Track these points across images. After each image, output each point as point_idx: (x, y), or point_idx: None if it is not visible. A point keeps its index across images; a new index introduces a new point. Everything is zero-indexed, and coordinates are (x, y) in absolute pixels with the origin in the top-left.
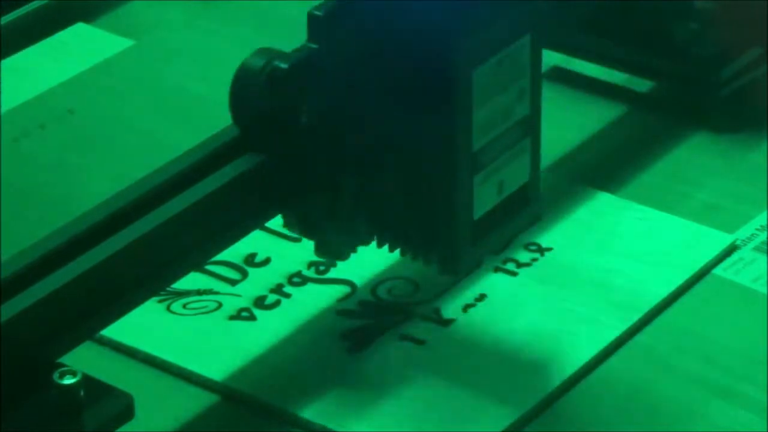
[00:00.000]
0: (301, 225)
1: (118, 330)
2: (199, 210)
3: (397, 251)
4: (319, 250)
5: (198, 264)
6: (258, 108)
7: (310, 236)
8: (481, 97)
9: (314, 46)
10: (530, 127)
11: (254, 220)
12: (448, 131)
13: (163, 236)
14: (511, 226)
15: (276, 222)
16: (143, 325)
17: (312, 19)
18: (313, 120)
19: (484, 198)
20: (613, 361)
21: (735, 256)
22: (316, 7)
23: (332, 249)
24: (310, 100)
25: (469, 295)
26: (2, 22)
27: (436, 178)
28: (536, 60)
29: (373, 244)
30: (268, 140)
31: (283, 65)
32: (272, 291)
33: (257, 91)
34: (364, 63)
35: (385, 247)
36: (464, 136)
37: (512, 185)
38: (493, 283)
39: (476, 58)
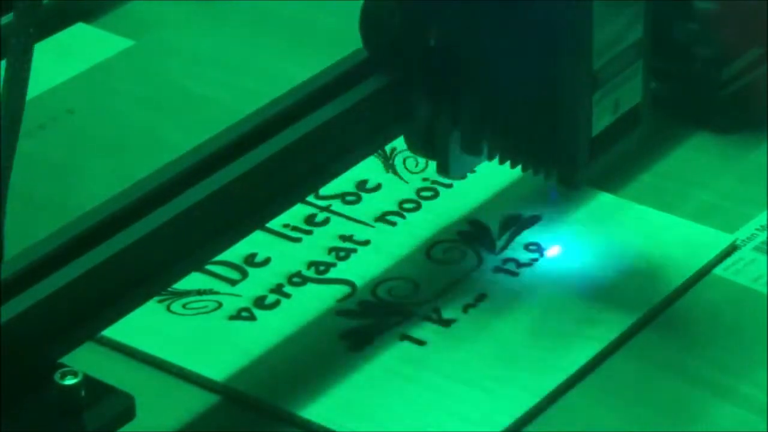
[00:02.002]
0: (424, 144)
1: (118, 330)
2: (210, 204)
3: (413, 244)
4: (441, 168)
5: (201, 263)
6: (389, 31)
7: (433, 156)
8: (600, 18)
9: None
10: (643, 49)
11: (382, 140)
12: (570, 51)
13: (164, 236)
14: (623, 144)
15: (276, 222)
16: (143, 325)
17: None
18: (440, 42)
19: (601, 116)
20: (613, 361)
21: (735, 256)
22: None
23: (455, 167)
24: (439, 22)
25: (469, 295)
26: (2, 22)
27: (558, 95)
28: None
29: (380, 240)
30: (398, 62)
31: None
32: (272, 291)
33: (388, 15)
34: None
35: (385, 247)
36: (585, 56)
37: (626, 104)
38: (493, 283)
39: None
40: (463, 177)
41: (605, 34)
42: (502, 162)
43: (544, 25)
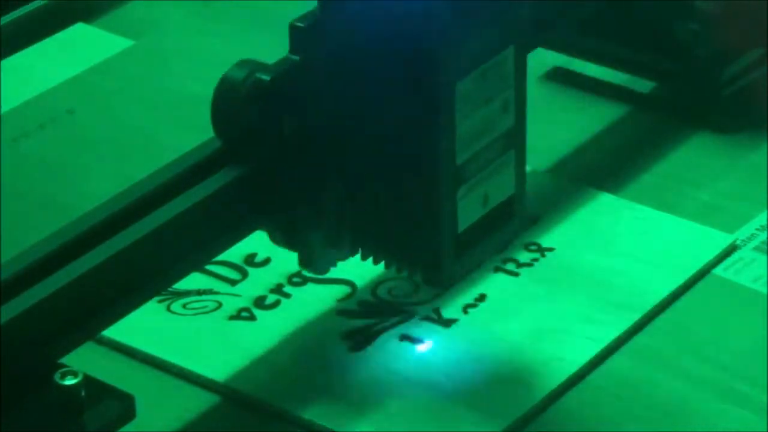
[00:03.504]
0: (286, 237)
1: (118, 330)
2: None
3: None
4: (303, 262)
5: (198, 266)
6: (240, 120)
7: (294, 248)
8: (464, 110)
9: (296, 57)
10: (515, 139)
11: (237, 233)
12: (431, 144)
13: (164, 237)
14: (496, 239)
15: None
16: (143, 326)
17: (293, 30)
18: (295, 132)
19: (469, 211)
20: (613, 361)
21: (735, 256)
22: (298, 19)
23: (316, 262)
24: (293, 112)
25: (469, 295)
26: (2, 22)
27: (420, 191)
28: (520, 71)
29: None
30: (251, 152)
31: (265, 77)
32: (272, 291)
33: (239, 103)
34: (347, 75)
35: None
36: (448, 149)
37: (497, 198)
38: (493, 283)
39: (459, 70)
40: (326, 271)
41: (471, 124)
42: (364, 258)
43: (404, 116)
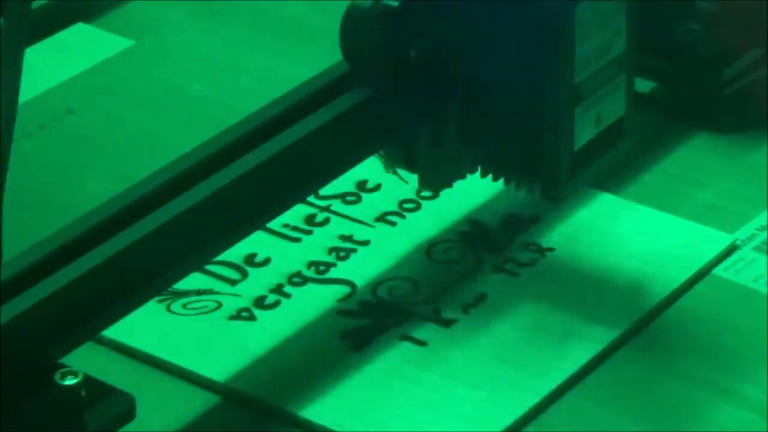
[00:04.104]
0: (406, 157)
1: (118, 330)
2: (208, 206)
3: (414, 244)
4: (424, 181)
5: (202, 264)
6: (369, 43)
7: (414, 169)
8: (582, 32)
9: None
10: (625, 63)
11: (362, 154)
12: (552, 64)
13: (165, 237)
14: (606, 157)
15: (276, 222)
16: (143, 325)
17: None
18: (421, 54)
19: (584, 129)
20: (614, 360)
21: (735, 256)
22: None
23: (437, 180)
24: (419, 35)
25: (469, 295)
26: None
27: (540, 109)
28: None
29: (380, 240)
30: (378, 75)
31: (394, 3)
32: (272, 291)
33: (369, 27)
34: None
35: (385, 248)
36: (567, 69)
37: (608, 118)
38: (493, 283)
39: None
40: (445, 188)
41: (587, 47)
42: (484, 175)
43: (526, 38)
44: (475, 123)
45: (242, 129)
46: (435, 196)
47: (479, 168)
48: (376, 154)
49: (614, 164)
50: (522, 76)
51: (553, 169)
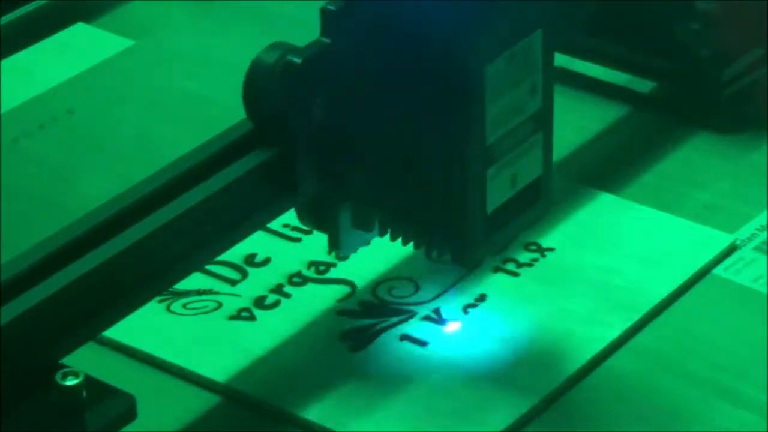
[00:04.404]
0: (314, 218)
1: (118, 330)
2: (204, 209)
3: (410, 245)
4: (331, 244)
5: (201, 265)
6: (272, 102)
7: (322, 230)
8: (493, 92)
9: (327, 40)
10: (542, 121)
11: (268, 214)
12: (461, 125)
13: (165, 237)
14: (523, 220)
15: (276, 222)
16: (143, 325)
17: (325, 13)
18: (325, 114)
19: (497, 191)
20: (613, 361)
21: (735, 256)
22: (329, 2)
23: (345, 243)
24: (323, 95)
25: (469, 295)
26: (2, 22)
27: (450, 172)
28: (548, 55)
29: (380, 240)
30: (282, 134)
31: (297, 60)
32: (272, 291)
33: (271, 85)
34: (377, 58)
35: (386, 248)
36: (478, 130)
37: (525, 179)
38: (493, 283)
39: (488, 53)
40: (354, 252)
41: (499, 107)
42: (393, 238)
43: (435, 98)
44: (383, 184)
45: (243, 129)
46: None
47: (388, 231)
48: None
49: (612, 166)
50: (431, 136)
51: (465, 233)
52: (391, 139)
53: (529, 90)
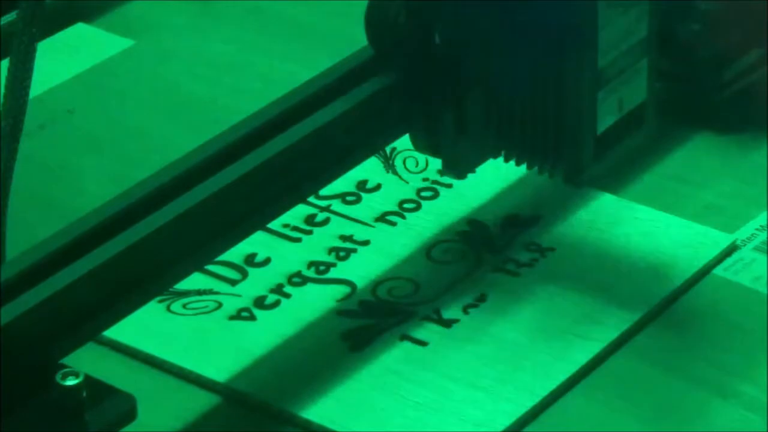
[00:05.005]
0: (430, 143)
1: (118, 330)
2: (204, 209)
3: (416, 244)
4: (447, 167)
5: (201, 265)
6: (395, 29)
7: (438, 154)
8: (605, 17)
9: None
10: (648, 48)
11: (385, 139)
12: (576, 48)
13: (165, 237)
14: (628, 142)
15: (276, 222)
16: (143, 325)
17: None
18: (445, 40)
19: (606, 114)
20: (613, 361)
21: (735, 256)
22: None
23: (460, 166)
24: (443, 22)
25: (469, 295)
26: (2, 22)
27: (563, 93)
28: None
29: (380, 240)
30: (403, 60)
31: None
32: (272, 291)
33: (394, 12)
34: None
35: (385, 247)
36: (591, 53)
37: (631, 103)
38: (493, 283)
39: None
40: (469, 173)
41: (610, 32)
42: (507, 160)
43: (550, 23)
44: (498, 108)
45: (245, 127)
46: (435, 195)
47: (503, 153)
48: (376, 155)
49: (612, 166)
50: (545, 60)
51: (576, 153)
52: (508, 63)
53: (636, 17)
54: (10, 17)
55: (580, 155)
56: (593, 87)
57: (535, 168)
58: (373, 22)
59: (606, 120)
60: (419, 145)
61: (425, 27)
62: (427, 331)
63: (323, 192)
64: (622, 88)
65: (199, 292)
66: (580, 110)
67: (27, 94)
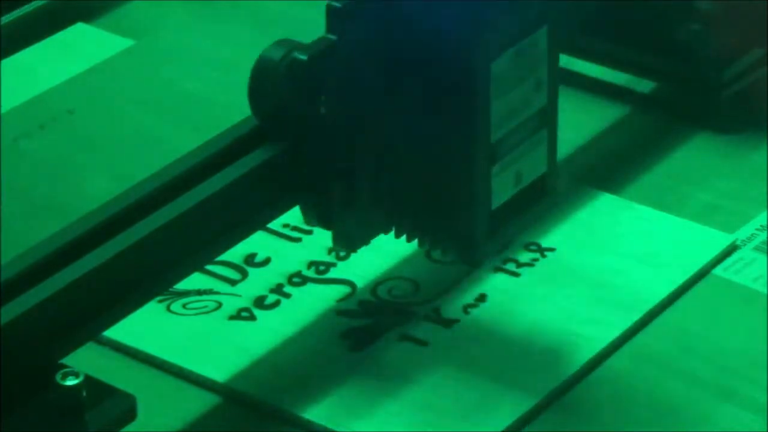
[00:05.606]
0: (319, 215)
1: (118, 330)
2: (207, 208)
3: (414, 243)
4: (336, 240)
5: (201, 265)
6: (277, 99)
7: (327, 227)
8: (498, 89)
9: (333, 37)
10: (547, 118)
11: (272, 212)
12: (466, 122)
13: (165, 237)
14: (528, 217)
15: (276, 222)
16: (143, 326)
17: (331, 10)
18: (331, 110)
19: (502, 188)
20: (613, 361)
21: (735, 256)
22: None
23: (350, 240)
24: (329, 91)
25: (469, 295)
26: (2, 22)
27: (454, 169)
28: (553, 51)
29: (380, 240)
30: (287, 131)
31: (303, 57)
32: (272, 291)
33: (277, 82)
34: (383, 55)
35: (385, 247)
36: (483, 127)
37: (529, 176)
38: (493, 283)
39: (494, 50)
40: (356, 249)
41: (504, 104)
42: (398, 236)
43: (440, 96)
44: (388, 182)
45: (243, 129)
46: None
47: (392, 229)
48: None
49: (612, 166)
50: (436, 133)
51: (469, 232)
52: (397, 136)
53: (534, 86)
54: (10, 17)
55: (473, 234)
56: (486, 162)
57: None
58: (254, 92)
59: (502, 195)
60: (309, 218)
61: (309, 97)
62: (427, 331)
63: None
64: (519, 161)
65: (199, 292)
66: (471, 187)
67: None
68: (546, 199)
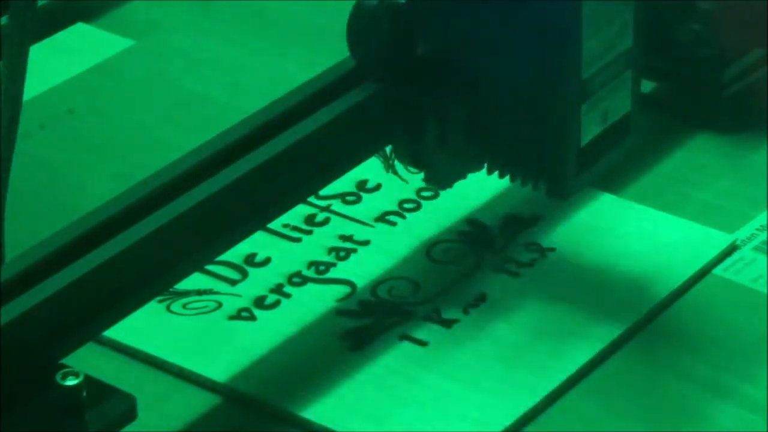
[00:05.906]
0: (413, 155)
1: (118, 330)
2: (205, 208)
3: (415, 244)
4: (429, 179)
5: (201, 265)
6: (376, 39)
7: (421, 166)
8: (589, 29)
9: None
10: (632, 59)
11: (367, 150)
12: (560, 60)
13: (165, 237)
14: (612, 154)
15: (276, 222)
16: (143, 325)
17: None
18: (427, 52)
19: (590, 126)
20: (613, 361)
21: (735, 256)
22: None
23: (443, 178)
24: (425, 33)
25: (469, 295)
26: (2, 22)
27: (547, 106)
28: None
29: (380, 240)
30: (385, 71)
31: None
32: (272, 291)
33: (374, 24)
34: None
35: (385, 247)
36: (575, 65)
37: (614, 115)
38: (493, 283)
39: None
40: (450, 186)
41: (595, 43)
42: (490, 172)
43: (534, 34)
44: (481, 120)
45: (243, 129)
46: (436, 195)
47: (485, 165)
48: (376, 155)
49: (615, 164)
50: (529, 72)
51: (559, 167)
52: (491, 76)
53: (620, 28)
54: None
55: (564, 168)
56: (577, 99)
57: (518, 180)
58: (354, 34)
59: (590, 132)
60: (401, 156)
61: (407, 39)
62: (427, 331)
63: (323, 192)
64: (606, 100)
65: (199, 292)
66: (563, 124)
67: (22, 91)
68: (628, 138)
